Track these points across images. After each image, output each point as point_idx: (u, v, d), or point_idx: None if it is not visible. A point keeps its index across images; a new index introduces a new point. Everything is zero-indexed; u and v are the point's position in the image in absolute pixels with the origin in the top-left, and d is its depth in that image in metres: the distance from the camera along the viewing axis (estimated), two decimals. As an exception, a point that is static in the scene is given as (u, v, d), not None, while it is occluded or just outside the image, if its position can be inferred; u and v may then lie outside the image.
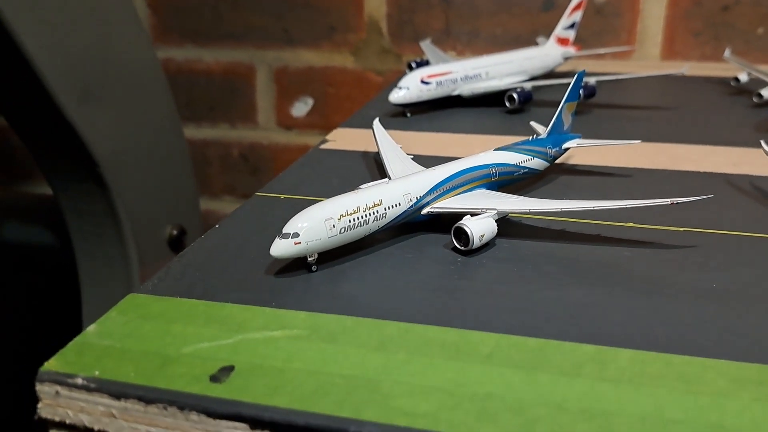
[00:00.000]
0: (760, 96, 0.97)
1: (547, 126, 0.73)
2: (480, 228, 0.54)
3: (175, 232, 0.99)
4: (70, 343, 0.43)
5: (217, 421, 0.38)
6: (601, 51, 1.18)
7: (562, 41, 1.13)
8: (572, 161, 0.76)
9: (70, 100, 0.80)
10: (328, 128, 1.47)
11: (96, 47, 0.87)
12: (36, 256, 1.07)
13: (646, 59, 1.30)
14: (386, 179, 0.61)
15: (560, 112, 0.70)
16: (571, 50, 1.14)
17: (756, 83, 1.03)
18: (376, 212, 0.54)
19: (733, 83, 1.06)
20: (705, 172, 0.73)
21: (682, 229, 0.59)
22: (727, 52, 1.14)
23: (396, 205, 0.56)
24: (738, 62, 1.11)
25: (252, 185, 1.55)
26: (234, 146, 1.54)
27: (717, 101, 1.02)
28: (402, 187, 0.57)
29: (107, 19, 0.91)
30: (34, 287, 1.08)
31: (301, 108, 1.49)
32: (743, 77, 1.06)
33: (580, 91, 0.78)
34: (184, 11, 1.48)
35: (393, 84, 1.02)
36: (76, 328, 0.93)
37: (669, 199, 0.55)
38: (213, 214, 1.55)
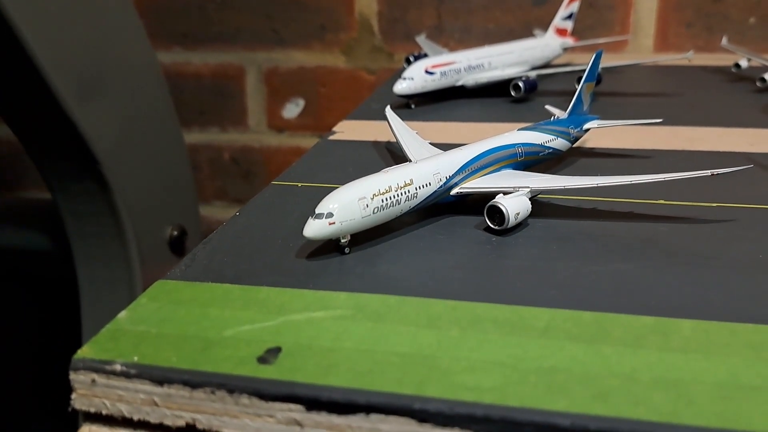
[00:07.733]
0: (763, 80, 0.96)
1: (562, 110, 0.71)
2: (515, 206, 0.53)
3: (175, 233, 0.96)
4: (103, 330, 0.40)
5: (270, 403, 0.36)
6: (600, 41, 1.18)
7: (561, 32, 1.12)
8: (589, 144, 0.74)
9: (71, 96, 0.77)
10: (321, 129, 1.45)
11: (96, 45, 0.85)
12: (29, 261, 1.03)
13: (639, 51, 1.29)
14: (408, 162, 0.59)
15: (580, 92, 0.68)
16: (570, 41, 1.13)
17: (756, 69, 1.02)
18: (407, 192, 0.52)
19: (734, 69, 1.05)
20: (725, 152, 0.72)
21: (715, 204, 0.58)
22: (724, 40, 1.14)
23: (427, 185, 0.54)
24: (736, 49, 1.10)
25: (244, 189, 1.52)
26: (225, 150, 1.51)
27: (720, 87, 1.02)
28: (431, 167, 0.55)
29: (108, 17, 0.89)
30: (28, 294, 1.05)
31: (292, 109, 1.46)
32: (743, 63, 1.05)
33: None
34: (170, 13, 1.45)
35: (391, 78, 1.01)
36: (75, 332, 0.90)
37: (709, 171, 0.53)
38: (205, 220, 1.51)
